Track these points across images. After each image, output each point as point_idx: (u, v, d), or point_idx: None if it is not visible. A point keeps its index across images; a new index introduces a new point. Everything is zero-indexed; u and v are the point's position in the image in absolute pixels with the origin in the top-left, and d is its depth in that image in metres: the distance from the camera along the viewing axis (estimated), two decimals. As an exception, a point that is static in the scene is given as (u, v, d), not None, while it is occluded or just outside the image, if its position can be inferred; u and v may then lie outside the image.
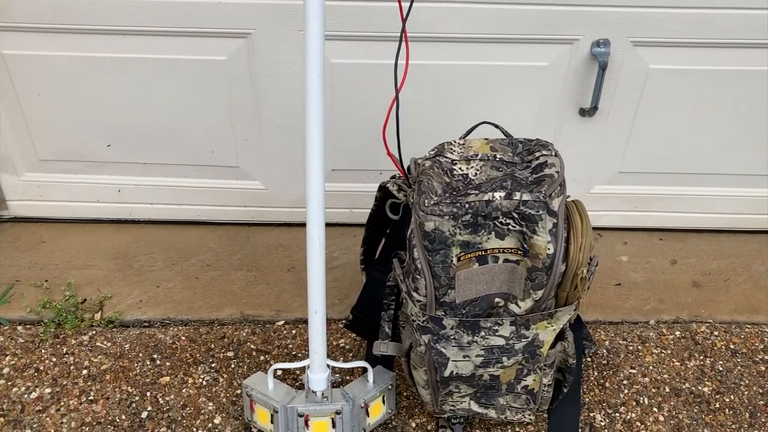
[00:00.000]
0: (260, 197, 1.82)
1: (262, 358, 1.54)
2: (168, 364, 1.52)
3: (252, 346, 1.56)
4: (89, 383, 1.47)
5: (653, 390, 1.50)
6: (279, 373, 1.49)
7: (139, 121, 1.67)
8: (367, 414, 1.34)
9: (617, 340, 1.61)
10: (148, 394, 1.45)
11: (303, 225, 1.89)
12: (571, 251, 1.13)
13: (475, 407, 1.31)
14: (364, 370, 1.38)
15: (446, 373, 1.23)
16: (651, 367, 1.55)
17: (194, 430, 1.39)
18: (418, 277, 1.14)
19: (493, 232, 1.11)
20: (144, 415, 1.42)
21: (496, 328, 1.19)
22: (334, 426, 1.31)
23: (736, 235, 1.91)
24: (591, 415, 1.45)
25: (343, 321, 1.61)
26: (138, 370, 1.50)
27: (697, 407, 1.47)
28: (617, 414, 1.45)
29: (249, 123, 1.68)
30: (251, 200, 1.83)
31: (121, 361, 1.52)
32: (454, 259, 1.12)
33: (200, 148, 1.72)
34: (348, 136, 1.70)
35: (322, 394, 1.30)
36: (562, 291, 1.17)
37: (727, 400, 1.49)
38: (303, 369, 1.33)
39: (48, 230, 1.83)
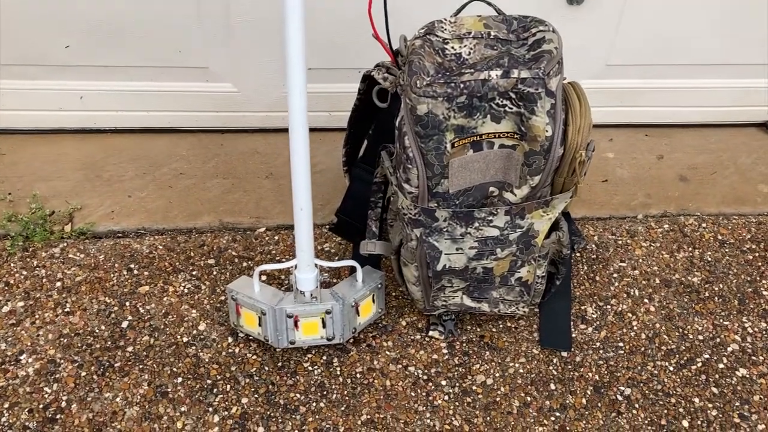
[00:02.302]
0: (233, 101, 1.73)
1: (244, 264, 1.49)
2: (146, 273, 1.46)
3: (233, 253, 1.51)
4: (64, 295, 1.41)
5: (643, 282, 1.49)
6: (263, 278, 1.44)
7: (97, 16, 1.55)
8: (358, 313, 1.31)
9: (606, 235, 1.59)
10: (128, 304, 1.40)
11: (280, 131, 1.82)
12: (570, 134, 1.08)
13: (467, 302, 1.28)
14: (352, 270, 1.33)
15: (439, 267, 1.19)
16: (641, 260, 1.53)
17: (178, 337, 1.35)
18: (410, 167, 1.08)
19: (488, 115, 1.05)
20: (124, 324, 1.36)
21: (491, 218, 1.14)
22: (324, 326, 1.28)
23: (723, 129, 1.88)
24: (582, 308, 1.43)
25: (327, 225, 1.56)
26: (115, 281, 1.44)
27: (687, 297, 1.47)
28: (608, 306, 1.44)
29: (217, 17, 1.56)
30: (223, 105, 1.73)
31: (96, 272, 1.45)
32: (448, 146, 1.06)
33: (165, 47, 1.61)
34: (325, 32, 1.60)
35: (311, 294, 1.26)
36: (559, 177, 1.13)
37: (716, 288, 1.49)
38: (290, 270, 1.28)
39: (7, 142, 1.72)
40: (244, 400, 1.26)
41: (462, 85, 1.01)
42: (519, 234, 1.17)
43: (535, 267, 1.23)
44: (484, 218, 1.14)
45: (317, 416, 1.24)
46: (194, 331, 1.36)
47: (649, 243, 1.57)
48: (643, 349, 1.37)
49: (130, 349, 1.32)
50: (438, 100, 1.01)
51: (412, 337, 1.36)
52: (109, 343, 1.33)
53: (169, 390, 1.26)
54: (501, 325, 1.39)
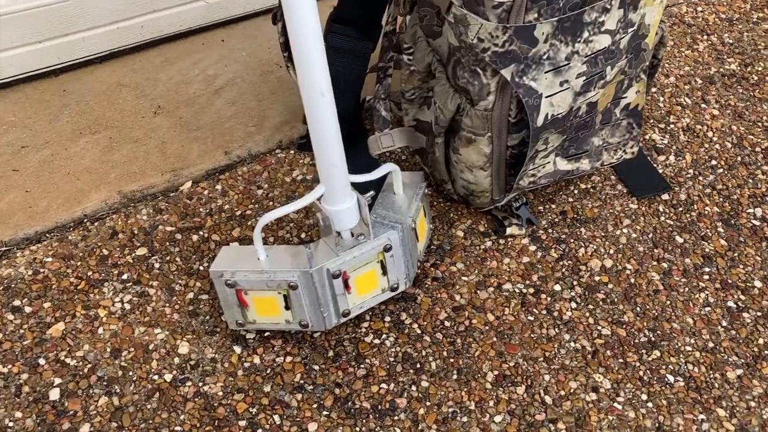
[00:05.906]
0: (63, 19, 1.13)
1: (195, 237, 0.97)
2: (47, 305, 0.89)
3: (169, 229, 0.98)
4: None
5: (686, 86, 1.20)
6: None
7: None
8: (417, 238, 0.87)
9: (614, 51, 1.26)
10: (42, 361, 0.84)
11: (145, 45, 1.26)
12: None
13: (562, 165, 0.89)
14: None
15: (539, 122, 0.78)
16: (667, 65, 1.24)
17: (155, 378, 0.82)
18: (500, -46, 0.64)
19: None
20: (54, 395, 0.81)
21: (603, 19, 0.75)
22: (384, 272, 0.83)
23: None
24: (647, 137, 1.11)
25: (287, 145, 1.08)
26: (0, 336, 0.86)
27: (739, 86, 1.20)
28: (670, 126, 1.13)
29: None
30: (50, 28, 1.13)
31: (-39, 334, 0.86)
32: None
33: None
34: None
35: (352, 233, 0.80)
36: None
37: (759, 68, 1.24)
38: (301, 212, 0.81)
39: None
40: (313, 427, 0.79)
41: None
42: (630, 35, 0.79)
43: (644, 83, 0.87)
44: (595, 21, 0.74)
45: (428, 401, 0.81)
46: (176, 360, 0.84)
47: (662, 44, 1.28)
48: (739, 158, 1.08)
49: (85, 429, 0.78)
50: None
51: (482, 247, 0.96)
52: (45, 433, 0.78)
53: (188, 463, 0.76)
54: (575, 192, 1.03)
